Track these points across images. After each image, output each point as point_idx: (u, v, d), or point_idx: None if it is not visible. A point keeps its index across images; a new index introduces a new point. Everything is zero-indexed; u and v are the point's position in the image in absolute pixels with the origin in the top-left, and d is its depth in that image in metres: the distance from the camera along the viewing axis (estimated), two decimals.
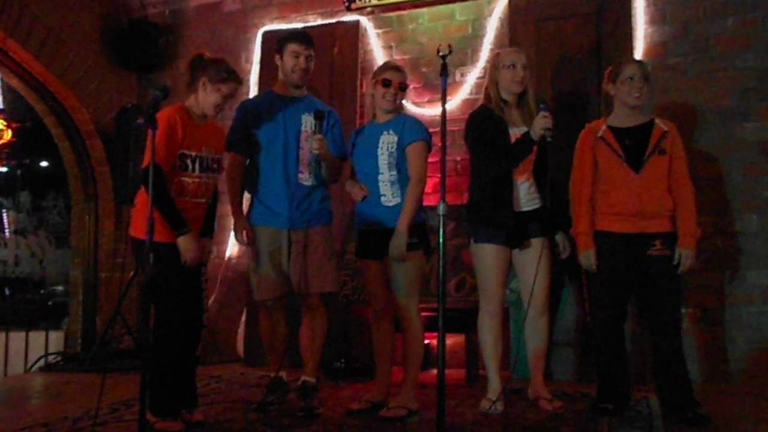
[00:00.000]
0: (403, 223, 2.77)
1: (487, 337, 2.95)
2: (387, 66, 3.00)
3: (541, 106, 2.78)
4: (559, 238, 3.02)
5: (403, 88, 2.92)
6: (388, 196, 2.87)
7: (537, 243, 2.93)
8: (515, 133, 2.91)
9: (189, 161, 2.67)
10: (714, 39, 3.78)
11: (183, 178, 2.67)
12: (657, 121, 2.91)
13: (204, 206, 2.76)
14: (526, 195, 2.95)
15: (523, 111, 2.98)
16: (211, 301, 4.53)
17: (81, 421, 2.78)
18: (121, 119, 4.53)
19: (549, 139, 2.75)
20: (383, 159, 2.86)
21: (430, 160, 4.44)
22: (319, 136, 2.84)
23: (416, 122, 2.94)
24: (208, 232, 2.84)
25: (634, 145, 2.85)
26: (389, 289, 2.92)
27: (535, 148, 2.86)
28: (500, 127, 2.91)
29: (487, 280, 2.94)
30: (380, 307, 2.97)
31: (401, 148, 2.85)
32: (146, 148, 2.50)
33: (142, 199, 2.64)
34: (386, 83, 2.88)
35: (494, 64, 2.99)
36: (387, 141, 2.87)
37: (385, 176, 2.87)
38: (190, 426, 2.65)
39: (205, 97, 2.70)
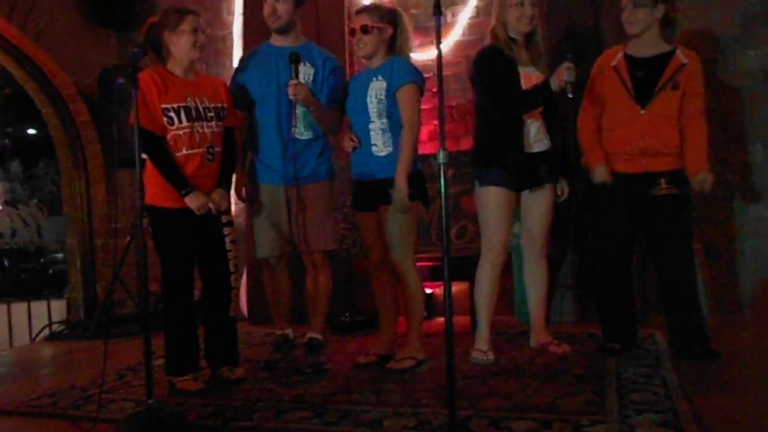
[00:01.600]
0: (401, 174, 2.68)
1: (484, 286, 2.90)
2: (355, 12, 2.90)
3: (568, 56, 2.61)
4: (559, 182, 2.96)
5: (365, 30, 2.73)
6: (380, 145, 2.78)
7: (547, 188, 2.90)
8: (525, 72, 2.80)
9: (173, 114, 2.62)
10: None
11: (173, 133, 2.63)
12: (678, 51, 2.75)
13: (202, 156, 2.66)
14: (536, 135, 2.86)
15: (532, 50, 2.87)
16: None
17: (89, 389, 2.78)
18: (104, 80, 4.38)
19: (570, 95, 2.60)
20: (372, 107, 2.76)
21: (424, 106, 4.32)
22: (294, 81, 2.70)
23: (405, 64, 2.79)
24: (223, 183, 2.75)
25: (646, 78, 2.73)
26: (384, 240, 2.87)
27: None
28: (510, 66, 2.79)
29: (491, 225, 2.87)
30: (377, 259, 2.93)
31: (391, 93, 2.73)
32: (131, 109, 2.46)
33: (149, 164, 2.65)
34: (352, 33, 2.80)
35: (501, 2, 2.84)
36: (376, 87, 2.76)
37: (376, 125, 2.77)
38: (231, 383, 2.70)
39: (177, 48, 2.65)
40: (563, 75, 2.58)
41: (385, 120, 2.76)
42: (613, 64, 2.79)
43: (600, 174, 2.79)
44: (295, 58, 2.71)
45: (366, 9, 2.87)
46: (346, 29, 4.23)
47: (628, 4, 2.73)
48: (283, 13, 2.86)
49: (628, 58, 2.78)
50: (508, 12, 2.82)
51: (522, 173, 2.83)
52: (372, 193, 2.80)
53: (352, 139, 2.84)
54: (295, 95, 2.70)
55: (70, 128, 4.68)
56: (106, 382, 2.77)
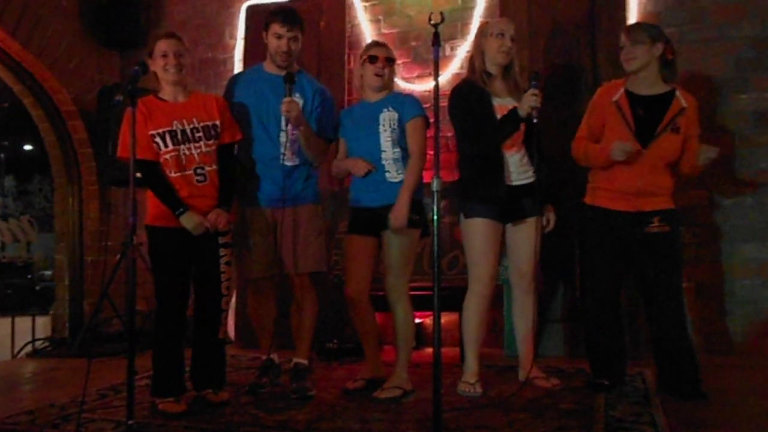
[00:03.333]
0: (405, 194, 2.74)
1: (472, 319, 2.87)
2: (371, 44, 3.01)
3: (533, 83, 2.67)
4: (545, 212, 2.95)
5: (390, 62, 2.88)
6: (393, 173, 2.82)
7: (531, 221, 2.88)
8: (500, 104, 2.84)
9: (159, 139, 2.66)
10: (709, 8, 3.72)
11: (163, 157, 2.66)
12: (678, 93, 2.76)
13: (191, 177, 2.67)
14: (517, 168, 2.88)
15: (509, 82, 2.91)
16: None
17: (68, 407, 2.72)
18: (104, 98, 4.40)
19: (535, 120, 2.65)
20: (386, 136, 2.82)
21: None
22: (288, 98, 2.71)
23: (414, 99, 2.96)
24: (222, 202, 2.74)
25: (648, 117, 2.73)
26: (371, 270, 2.87)
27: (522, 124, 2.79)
28: (484, 99, 2.83)
29: (477, 257, 2.85)
30: (360, 287, 2.86)
31: (402, 124, 2.83)
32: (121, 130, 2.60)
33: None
34: (373, 59, 2.85)
35: (482, 32, 2.90)
36: (389, 118, 2.83)
37: (388, 154, 2.82)
38: (214, 406, 2.67)
39: (159, 72, 2.71)
40: (529, 101, 2.63)
41: (398, 149, 2.82)
42: (614, 99, 2.79)
43: (619, 147, 2.66)
44: (290, 79, 2.74)
45: (383, 44, 2.97)
46: (346, 59, 4.29)
47: (627, 42, 2.77)
48: (296, 51, 2.91)
49: (629, 94, 2.79)
50: (487, 42, 2.86)
51: (505, 206, 2.83)
52: (378, 218, 2.79)
53: (367, 163, 2.83)
54: (288, 112, 2.70)
55: (66, 145, 4.69)
56: (87, 401, 2.72)
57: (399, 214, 2.72)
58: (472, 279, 2.89)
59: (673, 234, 2.76)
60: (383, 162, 2.83)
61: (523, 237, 2.90)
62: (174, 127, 2.67)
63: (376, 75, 2.84)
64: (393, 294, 2.82)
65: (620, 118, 2.76)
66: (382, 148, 2.83)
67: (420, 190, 2.86)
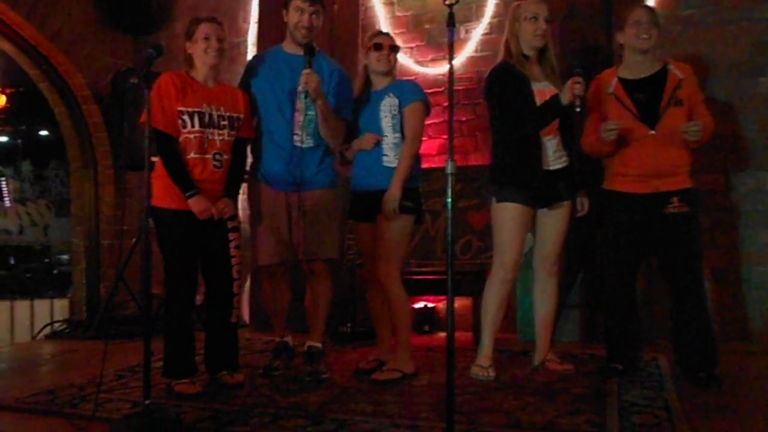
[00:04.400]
0: (398, 179, 2.78)
1: (492, 303, 2.87)
2: (374, 33, 3.07)
3: (577, 70, 2.62)
4: (578, 197, 2.94)
5: (394, 49, 2.94)
6: (390, 157, 2.86)
7: (565, 206, 2.89)
8: (537, 88, 2.79)
9: (186, 117, 2.67)
10: None
11: (185, 135, 2.67)
12: (670, 66, 2.76)
13: (209, 162, 2.68)
14: (554, 153, 2.85)
15: (545, 66, 2.87)
16: None
17: (86, 388, 2.77)
18: (118, 82, 4.41)
19: (578, 109, 2.60)
20: (387, 121, 2.86)
21: (435, 121, 4.34)
22: (307, 70, 2.68)
23: (415, 85, 3.01)
24: (230, 192, 2.77)
25: (648, 99, 2.71)
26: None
27: None
28: (523, 83, 2.79)
29: (506, 242, 2.84)
30: (374, 269, 2.93)
31: (401, 110, 2.85)
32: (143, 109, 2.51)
33: (158, 164, 2.70)
34: (377, 47, 2.90)
35: (514, 16, 2.85)
36: (389, 104, 2.87)
37: (389, 138, 2.87)
38: (229, 388, 2.70)
39: (195, 56, 2.74)
40: (574, 89, 2.59)
41: (398, 134, 2.86)
42: (609, 91, 2.78)
43: (604, 129, 2.65)
44: (310, 50, 2.72)
45: (386, 33, 3.06)
46: (360, 43, 4.26)
47: (645, 21, 2.72)
48: (317, 27, 2.91)
49: (623, 81, 2.77)
50: (521, 26, 2.82)
51: (541, 191, 2.82)
52: (373, 203, 2.82)
53: (374, 136, 2.87)
54: (306, 84, 2.68)
55: (81, 129, 4.72)
56: (105, 382, 2.76)
57: (390, 198, 2.75)
58: (497, 264, 2.88)
59: (693, 214, 2.71)
60: (383, 145, 2.87)
61: (555, 220, 2.90)
62: (203, 110, 2.69)
63: (381, 61, 2.89)
64: (383, 280, 2.83)
65: (621, 107, 2.74)
66: (384, 133, 2.86)
67: (415, 178, 2.88)
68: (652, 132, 2.69)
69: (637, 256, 2.83)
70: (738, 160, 3.58)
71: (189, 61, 2.77)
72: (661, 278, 2.88)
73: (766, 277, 3.52)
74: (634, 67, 2.78)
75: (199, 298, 2.83)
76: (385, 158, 2.86)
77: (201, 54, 2.71)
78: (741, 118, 3.59)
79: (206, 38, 2.70)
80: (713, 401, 2.42)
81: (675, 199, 2.71)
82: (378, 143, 2.87)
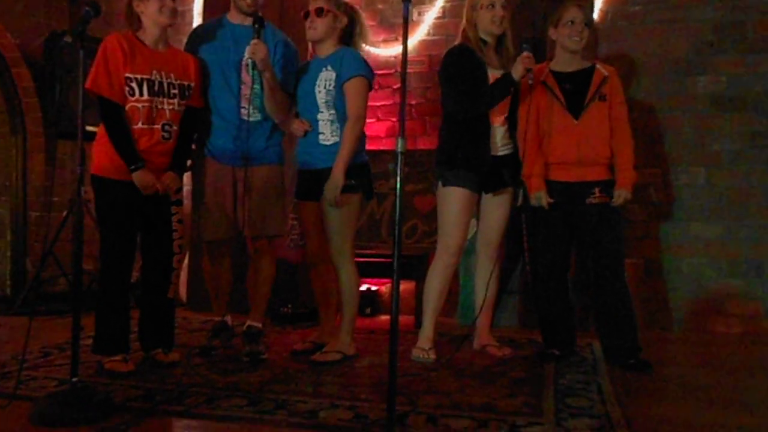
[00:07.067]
0: (338, 165, 2.63)
1: (435, 287, 2.89)
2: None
3: (524, 45, 2.68)
4: (520, 183, 2.97)
5: (319, 13, 2.71)
6: (327, 134, 2.74)
7: (509, 191, 2.93)
8: (494, 74, 2.81)
9: (135, 85, 2.49)
10: None
11: (132, 104, 2.50)
12: (598, 66, 2.89)
13: (157, 132, 2.54)
14: (501, 139, 2.88)
15: (502, 53, 2.89)
16: None
17: (8, 364, 2.62)
18: (51, 45, 4.17)
19: (530, 82, 2.69)
20: (321, 97, 2.72)
21: (384, 103, 4.31)
22: (255, 40, 2.59)
23: (356, 57, 2.75)
24: (176, 166, 2.63)
25: (575, 91, 2.83)
26: (323, 233, 2.82)
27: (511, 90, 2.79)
28: (479, 67, 2.80)
29: (450, 226, 2.86)
30: (315, 250, 2.90)
31: (339, 85, 2.70)
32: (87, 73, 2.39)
33: (101, 131, 2.53)
34: (306, 15, 2.77)
35: (471, 5, 2.84)
36: (325, 78, 2.72)
37: (324, 115, 2.74)
38: (164, 366, 2.61)
39: (146, 15, 2.54)
40: (525, 63, 2.63)
41: (333, 111, 2.73)
42: (541, 79, 2.86)
43: (537, 200, 2.84)
44: (259, 21, 2.62)
45: None
46: None
47: (579, 22, 2.81)
48: None
49: (554, 73, 2.87)
50: (479, 14, 2.82)
51: (487, 176, 2.84)
52: (315, 182, 2.74)
53: (303, 123, 2.77)
54: (253, 54, 2.59)
55: (10, 93, 4.42)
56: (30, 359, 2.63)
57: (330, 187, 2.63)
58: (442, 248, 2.89)
59: (613, 205, 2.81)
60: (319, 122, 2.75)
61: (499, 206, 2.94)
62: (152, 77, 2.52)
63: (308, 30, 2.75)
64: (336, 259, 2.78)
65: (551, 96, 2.84)
66: (319, 109, 2.74)
67: (361, 152, 2.77)
68: (576, 122, 2.79)
69: (567, 243, 2.90)
70: (673, 156, 3.72)
71: (136, 21, 2.56)
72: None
73: (695, 268, 3.68)
74: (565, 62, 2.89)
75: (134, 275, 2.71)
76: (321, 136, 2.74)
77: (154, 13, 2.51)
78: (678, 115, 3.72)
79: None
80: (644, 385, 2.51)
81: (596, 189, 2.81)
82: (307, 131, 2.76)
